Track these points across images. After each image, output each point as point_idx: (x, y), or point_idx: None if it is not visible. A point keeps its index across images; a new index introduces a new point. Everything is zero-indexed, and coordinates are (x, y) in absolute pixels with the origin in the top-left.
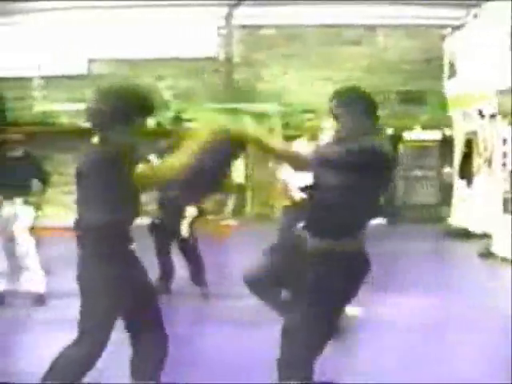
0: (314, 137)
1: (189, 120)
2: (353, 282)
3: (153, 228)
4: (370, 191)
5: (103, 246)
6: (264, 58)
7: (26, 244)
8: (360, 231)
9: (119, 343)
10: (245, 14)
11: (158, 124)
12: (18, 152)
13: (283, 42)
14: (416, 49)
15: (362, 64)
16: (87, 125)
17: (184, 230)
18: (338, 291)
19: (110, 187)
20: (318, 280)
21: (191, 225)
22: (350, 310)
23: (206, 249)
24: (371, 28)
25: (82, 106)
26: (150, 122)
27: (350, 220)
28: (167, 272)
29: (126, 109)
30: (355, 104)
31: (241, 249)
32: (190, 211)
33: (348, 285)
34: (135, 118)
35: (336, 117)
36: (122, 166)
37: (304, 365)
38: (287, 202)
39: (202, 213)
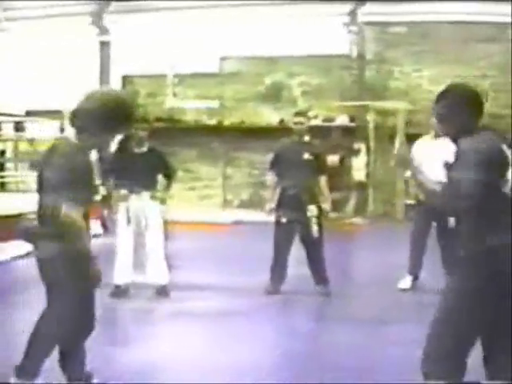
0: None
1: (314, 117)
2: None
3: (276, 226)
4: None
5: None
6: (396, 55)
7: (155, 238)
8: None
9: None
10: (372, 12)
11: (281, 121)
12: (144, 148)
13: (415, 40)
14: None
15: (496, 62)
16: (212, 122)
17: (314, 228)
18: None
19: None
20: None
21: (319, 223)
22: None
23: (329, 248)
24: (504, 26)
25: (212, 104)
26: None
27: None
28: (282, 272)
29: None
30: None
31: (367, 248)
32: (312, 209)
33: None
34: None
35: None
36: None
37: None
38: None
39: (322, 211)
